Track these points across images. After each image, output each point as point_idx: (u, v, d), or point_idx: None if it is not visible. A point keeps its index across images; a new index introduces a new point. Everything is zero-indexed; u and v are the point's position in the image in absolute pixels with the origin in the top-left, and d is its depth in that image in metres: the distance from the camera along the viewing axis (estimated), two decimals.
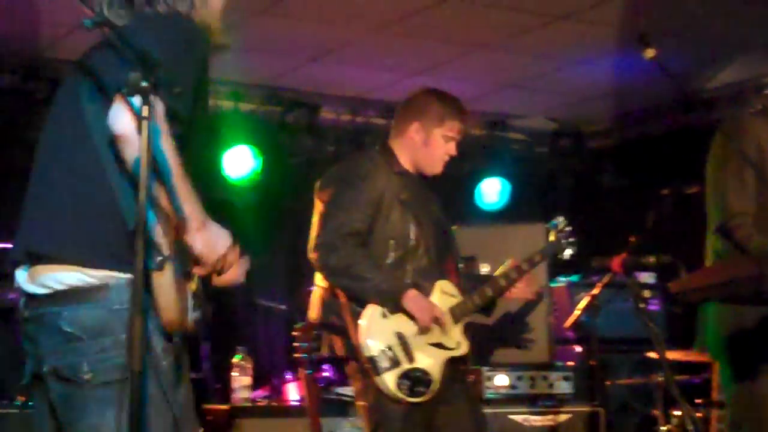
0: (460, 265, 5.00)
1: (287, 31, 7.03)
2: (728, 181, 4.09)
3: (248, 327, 7.99)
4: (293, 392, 6.83)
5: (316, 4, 6.59)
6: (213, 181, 7.89)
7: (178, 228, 2.84)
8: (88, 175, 2.91)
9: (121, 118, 2.77)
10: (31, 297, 2.91)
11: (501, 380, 6.52)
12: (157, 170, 2.76)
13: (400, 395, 4.48)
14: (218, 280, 3.12)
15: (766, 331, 3.83)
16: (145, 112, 2.65)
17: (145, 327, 2.73)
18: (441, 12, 6.70)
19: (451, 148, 4.83)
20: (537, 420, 6.49)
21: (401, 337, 4.55)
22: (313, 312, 4.77)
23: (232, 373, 6.74)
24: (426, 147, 4.77)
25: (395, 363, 4.50)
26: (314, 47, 7.35)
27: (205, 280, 3.01)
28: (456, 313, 4.72)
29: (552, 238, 5.23)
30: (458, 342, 4.72)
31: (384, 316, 4.55)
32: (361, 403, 4.64)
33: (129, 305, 2.72)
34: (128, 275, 2.76)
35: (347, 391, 6.50)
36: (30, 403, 4.30)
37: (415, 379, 4.52)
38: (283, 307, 7.13)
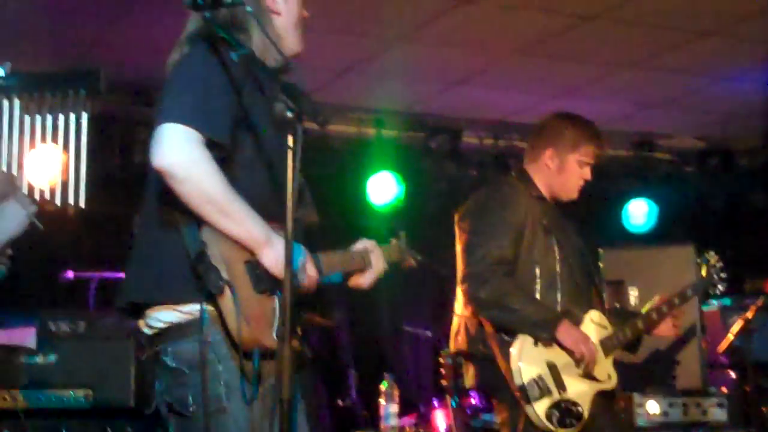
0: (604, 294, 4.91)
1: (429, 57, 7.06)
2: None
3: (394, 354, 8.01)
4: (440, 419, 6.79)
5: (457, 30, 6.59)
6: (358, 208, 7.95)
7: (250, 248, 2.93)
8: (152, 214, 3.04)
9: (157, 152, 2.86)
10: (146, 338, 3.05)
11: (653, 407, 6.36)
12: (207, 198, 2.85)
13: (549, 426, 4.42)
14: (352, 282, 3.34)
15: None
16: (290, 142, 2.69)
17: (203, 351, 2.86)
18: (583, 32, 6.63)
19: (587, 173, 4.76)
20: None
21: (553, 367, 4.48)
22: (456, 341, 4.74)
23: (380, 401, 6.74)
24: (561, 174, 4.72)
25: (547, 392, 4.44)
26: (456, 72, 7.35)
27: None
28: (607, 346, 4.65)
29: (704, 273, 5.12)
30: (609, 374, 4.65)
31: (535, 344, 4.50)
32: (507, 427, 4.59)
33: (221, 335, 2.86)
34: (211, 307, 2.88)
35: (494, 418, 6.45)
36: None
37: (565, 411, 4.45)
38: (429, 333, 7.12)
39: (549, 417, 4.42)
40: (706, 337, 6.70)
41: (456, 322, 4.76)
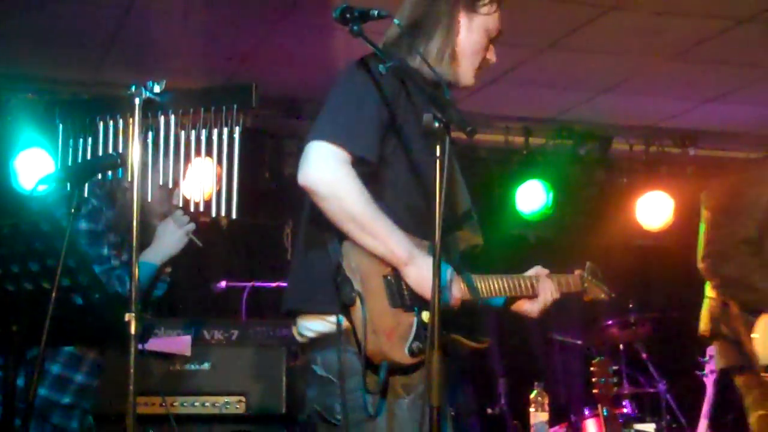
0: None
1: (578, 64, 7.01)
2: None
3: (545, 362, 7.97)
4: (592, 428, 6.72)
5: (606, 36, 6.53)
6: (507, 217, 7.93)
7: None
8: (305, 229, 3.14)
9: (303, 169, 2.95)
10: (299, 346, 3.16)
11: None
12: (349, 216, 2.91)
13: None
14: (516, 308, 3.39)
15: None
16: (437, 152, 2.72)
17: (343, 360, 2.93)
18: (738, 35, 6.49)
19: None
20: None
21: None
22: (703, 323, 4.70)
23: (530, 409, 6.71)
24: None
25: None
26: (605, 78, 7.28)
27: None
28: None
29: None
30: None
31: None
32: (760, 412, 4.54)
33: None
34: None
35: (647, 427, 6.36)
36: None
37: None
38: (579, 341, 7.06)
39: None
40: None
41: (705, 304, 4.72)
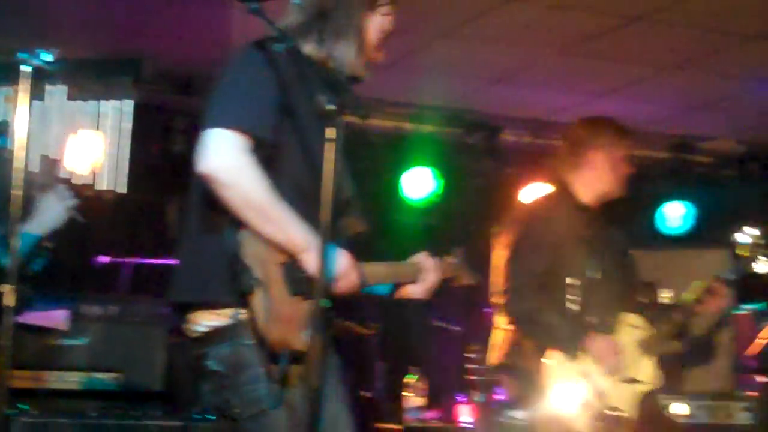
0: (640, 295, 4.93)
1: (471, 54, 7.07)
2: None
3: (422, 348, 8.04)
4: (466, 414, 6.82)
5: (501, 28, 6.60)
6: (392, 203, 7.98)
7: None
8: (197, 217, 3.09)
9: (202, 157, 2.92)
10: (191, 341, 3.09)
11: (680, 408, 6.37)
12: (250, 204, 2.90)
13: None
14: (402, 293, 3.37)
15: None
16: (332, 134, 2.74)
17: (239, 353, 2.91)
18: (629, 33, 6.62)
19: (629, 167, 4.85)
20: None
21: (590, 379, 4.51)
22: (495, 355, 4.80)
23: (405, 394, 6.78)
24: (612, 171, 4.79)
25: (586, 405, 4.48)
26: (497, 69, 7.36)
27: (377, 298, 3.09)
28: (646, 346, 4.67)
29: (744, 253, 4.97)
30: (651, 375, 4.68)
31: (570, 358, 4.54)
32: None
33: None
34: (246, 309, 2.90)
35: (519, 414, 6.46)
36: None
37: (607, 419, 4.48)
38: (458, 328, 7.14)
39: (592, 428, 4.46)
40: (738, 340, 6.70)
41: (496, 335, 4.81)
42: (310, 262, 2.94)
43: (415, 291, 3.47)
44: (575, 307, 4.60)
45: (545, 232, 4.66)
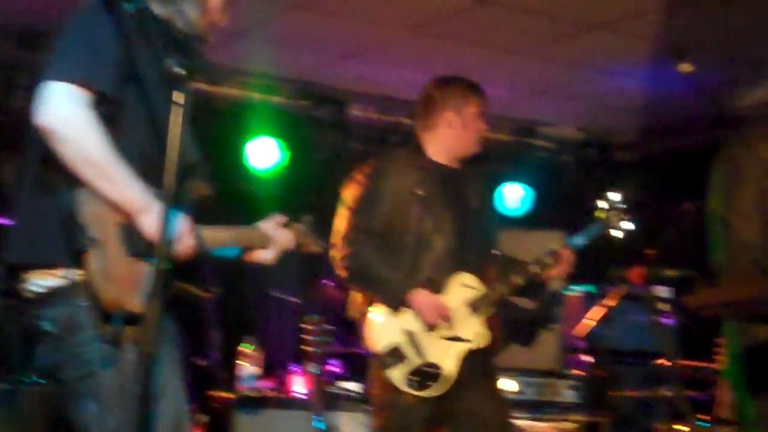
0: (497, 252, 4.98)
1: (322, 27, 7.07)
2: (735, 212, 4.02)
3: (259, 318, 8.05)
4: (300, 384, 6.86)
5: (352, 3, 6.63)
6: (236, 171, 7.95)
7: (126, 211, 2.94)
8: (34, 175, 3.03)
9: (40, 110, 2.87)
10: (24, 301, 3.04)
11: (509, 385, 6.55)
12: (88, 160, 2.86)
13: (409, 390, 4.55)
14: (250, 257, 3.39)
15: None
16: (179, 98, 2.71)
17: (73, 314, 2.88)
18: (477, 16, 6.72)
19: (483, 125, 4.91)
20: (541, 427, 6.53)
21: (410, 334, 4.60)
22: (352, 310, 4.85)
23: (240, 362, 6.77)
24: (464, 129, 4.84)
25: (404, 359, 4.57)
26: (347, 44, 7.39)
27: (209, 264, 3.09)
28: (476, 305, 4.72)
29: (602, 216, 4.94)
30: (478, 333, 4.71)
31: (394, 313, 4.62)
32: (372, 394, 4.74)
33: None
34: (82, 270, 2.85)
35: (353, 386, 6.55)
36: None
37: (425, 375, 4.57)
38: (296, 299, 7.15)
39: (408, 382, 4.54)
40: (567, 321, 6.91)
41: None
42: (148, 223, 2.92)
43: (264, 256, 3.49)
44: (407, 264, 4.69)
45: (384, 188, 4.71)
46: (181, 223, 3.03)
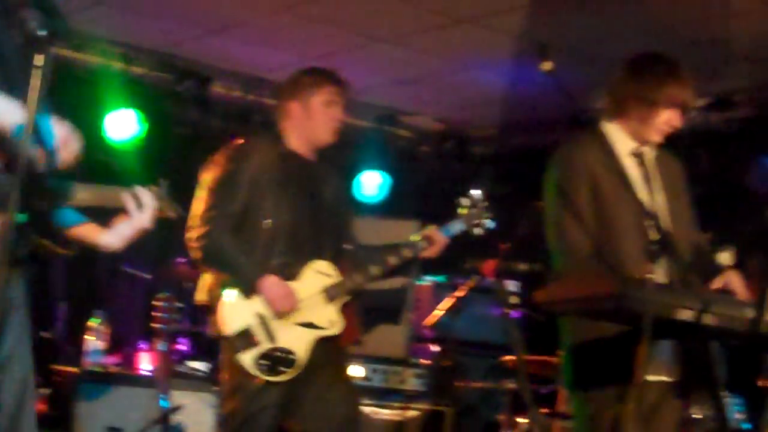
0: (349, 246, 5.00)
1: (189, 1, 7.00)
2: (568, 214, 4.10)
3: (109, 293, 7.94)
4: (146, 362, 6.79)
5: None
6: (93, 142, 7.80)
7: None
8: None
9: None
10: None
11: (356, 371, 6.59)
12: None
13: (259, 374, 4.55)
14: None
15: (605, 349, 3.92)
16: (40, 61, 2.65)
17: None
18: (345, 1, 6.73)
19: (336, 113, 4.88)
20: (386, 414, 6.60)
21: (262, 318, 4.60)
22: (201, 293, 4.81)
23: (87, 337, 6.66)
24: (309, 120, 4.84)
25: (254, 343, 4.56)
26: (214, 19, 7.31)
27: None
28: (330, 293, 4.74)
29: (463, 212, 5.02)
30: (331, 321, 4.74)
31: (247, 297, 4.61)
32: (222, 378, 4.71)
33: None
34: None
35: (200, 365, 6.52)
36: None
37: (275, 359, 4.57)
38: (147, 276, 7.07)
39: (258, 366, 4.54)
40: (416, 310, 6.99)
41: (204, 277, 4.83)
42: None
43: (139, 221, 3.46)
44: (262, 248, 4.68)
45: (243, 172, 4.70)
46: (61, 129, 2.95)
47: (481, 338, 7.39)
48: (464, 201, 5.06)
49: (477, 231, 5.07)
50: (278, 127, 4.92)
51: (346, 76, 5.03)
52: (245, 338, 4.57)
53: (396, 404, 6.66)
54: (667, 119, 4.12)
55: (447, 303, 6.64)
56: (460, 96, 8.61)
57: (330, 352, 4.75)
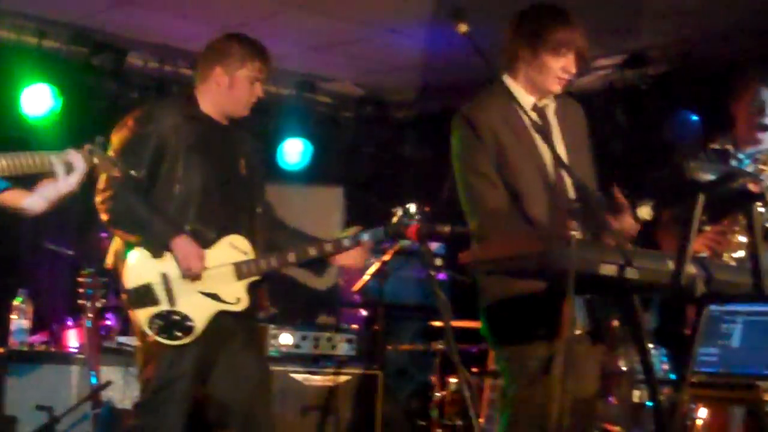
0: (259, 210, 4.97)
1: None
2: (476, 175, 4.12)
3: (32, 270, 7.84)
4: (73, 339, 6.74)
5: None
6: (9, 119, 7.68)
7: None
8: None
9: None
10: None
11: (285, 339, 6.61)
12: None
13: (150, 333, 4.55)
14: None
15: (522, 306, 3.97)
16: None
17: None
18: None
19: (258, 90, 4.87)
20: (317, 380, 6.63)
21: (165, 278, 4.58)
22: (109, 258, 4.78)
23: (11, 316, 6.60)
24: (231, 90, 4.81)
25: (152, 301, 4.56)
26: None
27: None
28: (242, 270, 4.73)
29: (394, 219, 4.94)
30: (237, 298, 4.73)
31: (153, 256, 4.59)
32: (137, 346, 4.76)
33: None
34: None
35: (128, 340, 6.48)
36: None
37: (172, 322, 4.57)
38: (71, 252, 7.00)
39: (150, 325, 4.55)
40: (344, 276, 7.02)
41: (115, 241, 4.80)
42: None
43: (66, 183, 3.42)
44: (174, 213, 4.65)
45: (151, 134, 4.66)
46: None
47: (409, 301, 7.45)
48: (398, 211, 4.95)
49: (403, 243, 5.15)
50: (193, 88, 4.89)
51: (268, 43, 5.00)
52: (144, 294, 4.56)
53: (327, 370, 6.69)
54: (562, 65, 4.16)
55: (374, 267, 6.67)
56: (378, 60, 8.61)
57: (239, 320, 4.76)
